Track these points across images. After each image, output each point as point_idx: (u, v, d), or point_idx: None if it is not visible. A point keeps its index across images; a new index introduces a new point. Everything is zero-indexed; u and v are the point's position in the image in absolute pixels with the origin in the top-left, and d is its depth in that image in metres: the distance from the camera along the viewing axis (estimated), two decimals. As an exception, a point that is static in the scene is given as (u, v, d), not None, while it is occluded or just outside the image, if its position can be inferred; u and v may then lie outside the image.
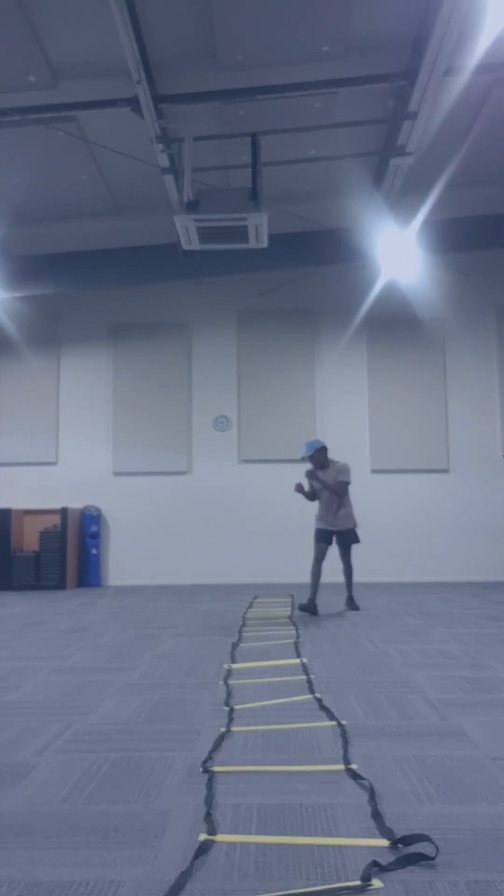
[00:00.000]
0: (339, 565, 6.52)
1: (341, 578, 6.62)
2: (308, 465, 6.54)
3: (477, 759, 2.54)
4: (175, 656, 4.51)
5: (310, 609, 6.30)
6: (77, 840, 1.96)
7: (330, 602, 6.87)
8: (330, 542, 6.43)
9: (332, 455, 6.54)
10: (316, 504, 6.55)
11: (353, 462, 6.89)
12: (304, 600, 6.42)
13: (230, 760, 2.57)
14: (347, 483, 6.37)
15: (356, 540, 6.47)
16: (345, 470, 6.41)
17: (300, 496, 6.45)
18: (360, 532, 6.49)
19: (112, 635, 5.37)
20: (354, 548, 6.50)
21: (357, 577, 6.73)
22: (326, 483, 6.32)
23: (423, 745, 2.69)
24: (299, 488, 6.39)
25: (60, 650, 4.79)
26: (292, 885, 1.69)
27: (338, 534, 6.44)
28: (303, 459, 6.48)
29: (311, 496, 6.49)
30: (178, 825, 2.04)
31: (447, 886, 1.68)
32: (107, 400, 9.65)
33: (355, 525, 6.45)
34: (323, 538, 6.46)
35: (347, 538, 6.45)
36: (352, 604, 6.59)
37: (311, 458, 6.41)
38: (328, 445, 6.54)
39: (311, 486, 6.46)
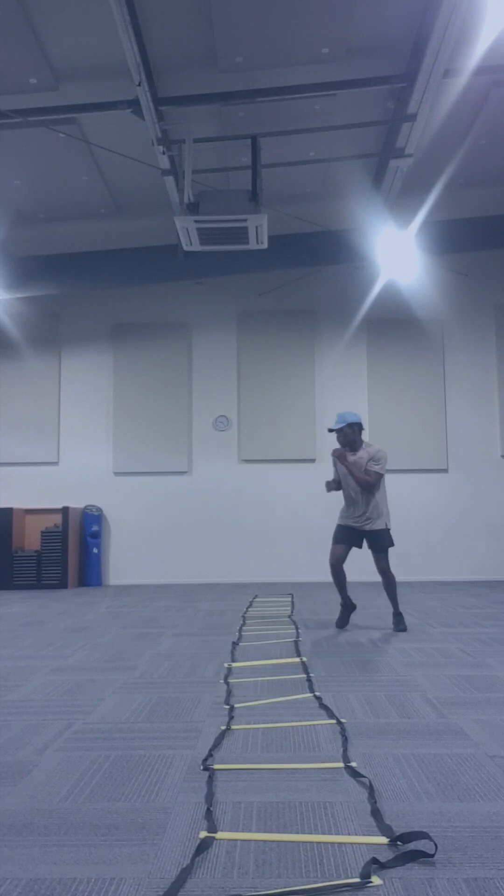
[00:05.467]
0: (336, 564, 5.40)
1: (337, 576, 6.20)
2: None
3: (476, 757, 2.55)
4: (175, 655, 4.52)
5: (346, 613, 5.45)
6: (78, 838, 1.97)
7: (327, 601, 6.88)
8: (352, 545, 5.29)
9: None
10: (334, 496, 5.46)
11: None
12: (337, 615, 5.56)
13: (230, 758, 2.58)
14: (380, 476, 5.18)
15: (390, 542, 5.28)
16: (380, 458, 5.17)
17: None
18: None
19: (113, 634, 5.38)
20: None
21: (355, 577, 5.89)
22: (353, 470, 5.13)
23: (422, 744, 2.71)
24: (329, 486, 5.36)
25: (61, 649, 4.80)
26: (292, 882, 1.71)
27: (368, 535, 5.25)
28: (330, 432, 5.30)
29: (336, 485, 5.35)
30: (178, 823, 2.06)
31: (446, 884, 1.69)
32: (108, 400, 9.67)
33: (388, 525, 5.27)
34: (342, 538, 5.27)
35: (380, 541, 5.23)
36: (399, 623, 5.31)
37: (341, 434, 5.21)
38: (336, 441, 5.37)
39: (335, 470, 5.36)
